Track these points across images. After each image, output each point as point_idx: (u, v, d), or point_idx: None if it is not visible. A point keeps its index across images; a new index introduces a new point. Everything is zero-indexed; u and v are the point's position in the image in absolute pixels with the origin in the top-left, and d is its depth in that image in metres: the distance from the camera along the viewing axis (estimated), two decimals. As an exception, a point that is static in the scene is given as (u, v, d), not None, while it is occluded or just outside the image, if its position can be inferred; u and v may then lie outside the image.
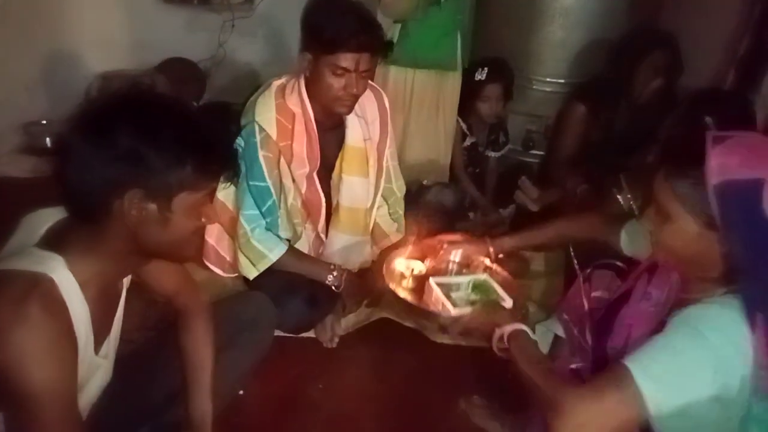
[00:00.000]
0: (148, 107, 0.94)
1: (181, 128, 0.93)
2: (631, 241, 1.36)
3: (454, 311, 1.36)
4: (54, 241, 0.95)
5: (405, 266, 1.61)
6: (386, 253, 1.73)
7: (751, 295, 0.96)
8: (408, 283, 1.57)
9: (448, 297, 1.43)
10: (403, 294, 1.52)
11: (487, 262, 1.60)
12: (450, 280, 1.50)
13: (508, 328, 1.16)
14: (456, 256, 1.62)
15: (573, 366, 1.38)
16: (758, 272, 0.96)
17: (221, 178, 1.00)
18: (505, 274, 1.58)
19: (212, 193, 1.01)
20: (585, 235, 1.51)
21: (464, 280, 1.50)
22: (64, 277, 0.91)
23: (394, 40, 2.34)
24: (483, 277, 1.52)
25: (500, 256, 1.60)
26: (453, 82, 2.45)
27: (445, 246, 1.61)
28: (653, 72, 2.25)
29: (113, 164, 0.88)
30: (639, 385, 0.93)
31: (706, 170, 0.96)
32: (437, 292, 1.44)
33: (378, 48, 1.58)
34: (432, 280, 1.47)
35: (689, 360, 0.95)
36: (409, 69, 2.38)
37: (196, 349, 1.24)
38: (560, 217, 1.65)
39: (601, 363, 1.24)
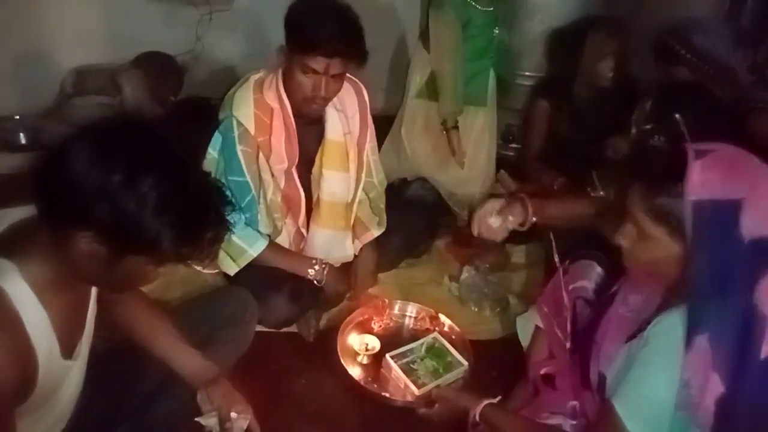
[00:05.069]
0: (145, 163, 0.83)
1: (166, 206, 0.83)
2: None
3: (418, 392, 1.44)
4: (9, 245, 0.89)
5: (359, 342, 1.70)
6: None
7: (697, 315, 0.96)
8: (363, 359, 1.67)
9: (410, 372, 1.51)
10: (358, 374, 1.62)
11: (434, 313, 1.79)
12: (404, 349, 1.59)
13: (476, 410, 1.25)
14: (412, 311, 1.83)
15: (543, 371, 1.41)
16: (712, 294, 0.95)
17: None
18: (453, 326, 1.72)
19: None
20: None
21: (417, 344, 1.61)
22: (16, 286, 0.86)
23: (425, 77, 2.35)
24: (432, 337, 1.65)
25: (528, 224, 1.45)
26: (481, 118, 2.46)
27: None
28: (597, 54, 2.22)
29: (80, 197, 0.82)
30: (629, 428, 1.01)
31: (686, 185, 0.93)
32: (397, 371, 1.50)
33: (352, 54, 1.56)
34: (389, 356, 1.56)
35: (665, 390, 0.99)
36: (432, 102, 2.37)
37: (144, 317, 1.22)
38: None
39: (583, 360, 1.27)
